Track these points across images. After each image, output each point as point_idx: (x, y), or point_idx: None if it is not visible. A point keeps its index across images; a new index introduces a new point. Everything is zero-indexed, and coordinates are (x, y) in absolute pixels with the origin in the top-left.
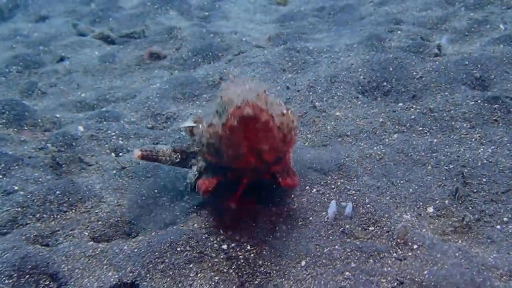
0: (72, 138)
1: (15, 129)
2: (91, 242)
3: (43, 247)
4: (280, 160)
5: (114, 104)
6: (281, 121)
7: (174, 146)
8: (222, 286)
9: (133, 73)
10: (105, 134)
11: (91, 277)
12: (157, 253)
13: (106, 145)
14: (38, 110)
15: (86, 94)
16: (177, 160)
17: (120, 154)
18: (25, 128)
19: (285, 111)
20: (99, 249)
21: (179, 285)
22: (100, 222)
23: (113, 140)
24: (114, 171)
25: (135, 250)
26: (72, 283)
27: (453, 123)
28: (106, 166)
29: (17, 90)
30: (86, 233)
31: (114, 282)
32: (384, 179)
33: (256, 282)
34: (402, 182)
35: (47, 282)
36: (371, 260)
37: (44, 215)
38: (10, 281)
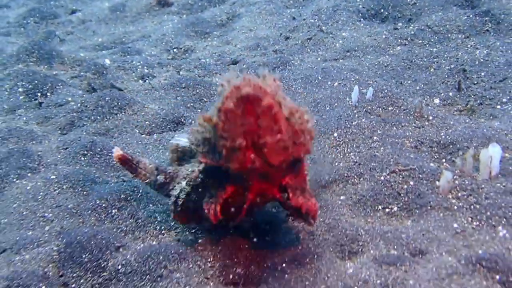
0: (103, 67)
1: (46, 66)
2: (144, 135)
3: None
4: (292, 167)
5: (132, 44)
6: (291, 112)
7: (158, 164)
8: None
9: (143, 19)
10: (130, 65)
11: (150, 157)
12: None
13: (133, 73)
14: (63, 51)
15: (102, 39)
16: (158, 182)
17: (147, 80)
18: (54, 65)
19: (298, 108)
20: (152, 139)
21: None
22: (147, 122)
23: (138, 69)
24: (146, 91)
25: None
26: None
27: (449, 35)
28: (137, 89)
29: (37, 38)
30: (137, 130)
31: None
32: (393, 80)
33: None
34: (409, 82)
35: (114, 162)
36: (394, 128)
37: (98, 117)
38: (85, 158)
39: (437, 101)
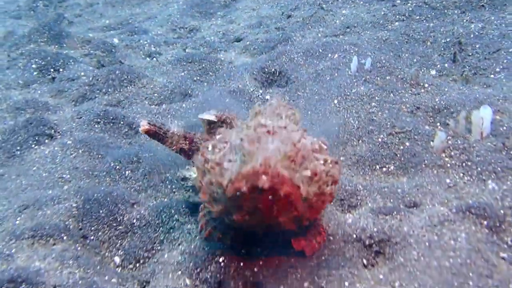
0: (111, 46)
1: (56, 46)
2: (153, 106)
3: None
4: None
5: (139, 24)
6: (315, 173)
7: (186, 132)
8: None
9: (149, 1)
10: (138, 44)
11: None
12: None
13: (141, 51)
14: (72, 32)
15: (110, 21)
16: (184, 147)
17: (154, 58)
18: (64, 45)
19: (323, 164)
20: (161, 109)
21: None
22: (156, 94)
23: (146, 47)
24: (154, 67)
25: (193, 104)
26: None
27: (445, 10)
28: (145, 65)
29: (46, 20)
30: (146, 102)
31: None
32: (391, 53)
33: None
34: (407, 55)
35: (126, 129)
36: (392, 95)
37: (109, 90)
38: (99, 125)
39: (433, 72)
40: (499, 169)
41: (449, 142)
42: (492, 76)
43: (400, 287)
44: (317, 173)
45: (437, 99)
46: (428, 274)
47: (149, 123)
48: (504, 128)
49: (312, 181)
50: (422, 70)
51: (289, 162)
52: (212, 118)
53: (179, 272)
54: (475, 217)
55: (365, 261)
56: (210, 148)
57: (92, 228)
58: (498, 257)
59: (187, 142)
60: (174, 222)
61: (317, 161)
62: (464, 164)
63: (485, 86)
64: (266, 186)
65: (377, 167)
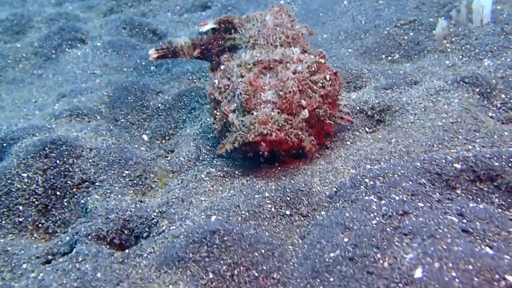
0: None
1: None
2: (175, 16)
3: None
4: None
5: None
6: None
7: (193, 39)
8: None
9: None
10: None
11: (182, 32)
12: None
13: None
14: None
15: None
16: (195, 55)
17: None
18: None
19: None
20: (183, 18)
21: None
22: (178, 7)
23: None
24: None
25: (212, 13)
26: (169, 35)
27: None
28: None
29: None
30: (169, 14)
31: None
32: None
33: None
34: None
35: (151, 35)
36: None
37: (134, 3)
38: (125, 31)
39: None
40: (495, 48)
41: (451, 29)
42: None
43: (395, 142)
44: (314, 108)
45: None
46: (422, 132)
47: (156, 49)
48: (504, 15)
49: (311, 117)
50: None
51: (284, 115)
52: (213, 26)
53: (197, 140)
54: (468, 85)
55: (367, 129)
56: (216, 84)
57: (122, 112)
58: (487, 116)
59: (198, 48)
60: (195, 103)
61: (315, 92)
62: (463, 47)
63: None
64: (267, 150)
65: (383, 56)
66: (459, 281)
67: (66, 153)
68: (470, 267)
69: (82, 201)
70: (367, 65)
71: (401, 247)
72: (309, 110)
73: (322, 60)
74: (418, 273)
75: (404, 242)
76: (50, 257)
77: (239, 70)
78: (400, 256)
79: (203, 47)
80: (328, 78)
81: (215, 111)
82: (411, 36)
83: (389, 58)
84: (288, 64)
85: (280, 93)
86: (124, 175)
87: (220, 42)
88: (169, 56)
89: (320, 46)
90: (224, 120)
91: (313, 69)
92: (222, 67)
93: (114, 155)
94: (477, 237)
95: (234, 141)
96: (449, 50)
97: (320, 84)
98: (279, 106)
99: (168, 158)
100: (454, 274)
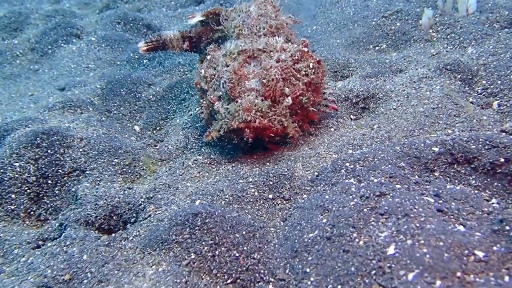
0: None
1: None
2: (170, 11)
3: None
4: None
5: None
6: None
7: (182, 31)
8: None
9: None
10: None
11: (176, 26)
12: None
13: None
14: None
15: None
16: (184, 47)
17: None
18: None
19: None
20: (177, 12)
21: None
22: (173, 2)
23: None
24: None
25: (205, 7)
26: (163, 29)
27: None
28: None
29: None
30: (164, 9)
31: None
32: None
33: None
34: None
35: (144, 29)
36: None
37: None
38: (119, 25)
39: None
40: (479, 36)
41: (437, 19)
42: None
43: (378, 128)
44: (297, 96)
45: None
46: (404, 118)
47: (145, 42)
48: (490, 5)
49: (295, 104)
50: None
51: (268, 102)
52: (201, 18)
53: (185, 130)
54: (450, 72)
55: (352, 116)
56: (203, 73)
57: (115, 104)
58: (467, 102)
59: (187, 40)
60: (185, 94)
61: (298, 80)
62: (448, 36)
63: None
64: (251, 136)
65: (371, 46)
66: (429, 256)
67: (57, 143)
68: (441, 243)
69: (73, 189)
70: (355, 55)
71: (376, 226)
72: (292, 97)
73: (305, 49)
74: (391, 250)
75: (379, 222)
76: (40, 242)
77: (224, 59)
78: (375, 234)
79: (192, 40)
80: (311, 66)
81: (201, 100)
82: (398, 26)
83: (377, 48)
84: (271, 53)
85: (264, 81)
86: (113, 163)
87: (209, 34)
88: (159, 49)
89: (310, 37)
90: (210, 108)
91: (296, 57)
92: (208, 57)
93: (104, 145)
94: (451, 216)
95: (220, 128)
96: (434, 39)
97: (303, 72)
98: (262, 93)
99: (157, 147)
100: (425, 250)
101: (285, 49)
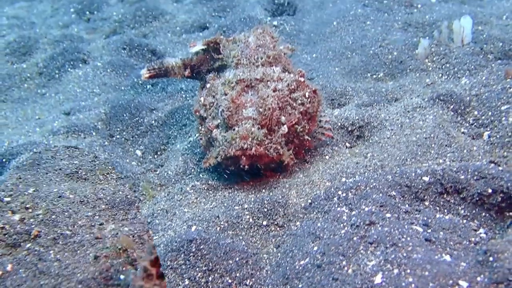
0: None
1: None
2: (174, 36)
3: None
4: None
5: None
6: (290, 121)
7: (184, 59)
8: None
9: None
10: None
11: (180, 52)
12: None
13: None
14: None
15: None
16: (186, 74)
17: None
18: None
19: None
20: (181, 38)
21: None
22: (178, 28)
23: None
24: (177, 5)
25: (208, 34)
26: (167, 55)
27: None
28: (170, 8)
29: None
30: (169, 34)
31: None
32: None
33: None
34: None
35: (149, 55)
36: (386, 14)
37: (136, 25)
38: (125, 51)
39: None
40: (473, 67)
41: (433, 49)
42: None
43: (371, 157)
44: (293, 124)
45: (427, 16)
46: (397, 147)
47: (148, 69)
48: (484, 36)
49: (290, 133)
50: None
51: (264, 130)
52: (202, 47)
53: (185, 155)
54: (443, 102)
55: (347, 144)
56: (202, 101)
57: (118, 129)
58: (459, 132)
59: (188, 68)
60: (186, 120)
61: (294, 109)
62: (443, 66)
63: (477, 6)
64: (247, 163)
65: (368, 74)
66: (415, 286)
67: None
68: (427, 273)
69: None
70: (352, 83)
71: (365, 254)
72: (288, 126)
73: (302, 79)
74: (378, 279)
75: (368, 250)
76: None
77: (223, 88)
78: (364, 263)
79: (193, 67)
80: (307, 96)
81: (200, 127)
82: (395, 55)
83: (374, 76)
84: (269, 82)
85: (260, 109)
86: None
87: (210, 62)
88: (161, 76)
89: (309, 65)
90: (209, 135)
91: (292, 87)
92: (207, 85)
93: None
94: (439, 246)
95: (217, 155)
96: (430, 68)
97: (299, 101)
98: (259, 122)
99: (157, 172)
100: (411, 279)
101: (282, 78)
